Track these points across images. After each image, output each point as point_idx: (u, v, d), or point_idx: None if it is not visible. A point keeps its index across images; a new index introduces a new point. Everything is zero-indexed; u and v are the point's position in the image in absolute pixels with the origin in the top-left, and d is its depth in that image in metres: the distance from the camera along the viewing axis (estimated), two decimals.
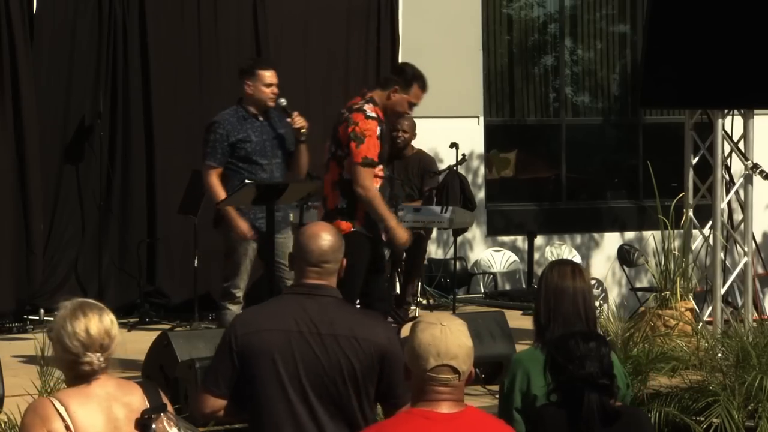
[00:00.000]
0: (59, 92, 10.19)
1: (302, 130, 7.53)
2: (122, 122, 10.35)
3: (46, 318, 9.92)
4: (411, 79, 6.67)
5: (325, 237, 4.35)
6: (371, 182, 6.67)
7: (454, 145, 10.22)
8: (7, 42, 9.80)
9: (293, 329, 4.24)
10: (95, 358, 3.70)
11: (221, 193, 7.47)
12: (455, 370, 3.57)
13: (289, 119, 7.55)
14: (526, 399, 4.48)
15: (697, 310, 8.72)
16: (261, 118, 7.62)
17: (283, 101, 7.60)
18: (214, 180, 7.55)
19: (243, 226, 7.49)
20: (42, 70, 10.08)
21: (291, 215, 8.07)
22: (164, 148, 10.47)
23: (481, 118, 12.42)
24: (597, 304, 10.26)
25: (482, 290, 12.04)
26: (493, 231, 12.49)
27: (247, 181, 8.16)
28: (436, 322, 3.60)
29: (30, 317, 9.83)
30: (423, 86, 6.76)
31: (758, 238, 11.19)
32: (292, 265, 4.40)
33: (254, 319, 4.35)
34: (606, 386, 4.08)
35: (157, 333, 7.34)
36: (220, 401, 4.29)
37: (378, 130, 6.65)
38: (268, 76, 7.58)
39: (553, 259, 12.29)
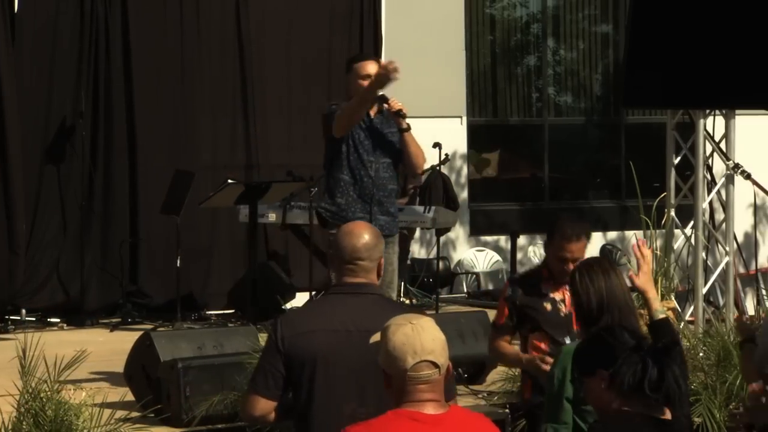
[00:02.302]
0: (41, 92, 10.16)
1: (401, 113, 6.91)
2: (104, 122, 10.33)
3: (27, 318, 9.89)
4: (552, 232, 5.80)
5: (358, 234, 4.31)
6: (492, 344, 5.82)
7: (437, 145, 10.23)
8: None
9: (340, 329, 4.20)
10: None
11: (352, 100, 6.85)
12: (435, 365, 3.56)
13: (386, 105, 6.96)
14: (575, 389, 4.59)
15: (679, 310, 8.73)
16: (370, 115, 7.01)
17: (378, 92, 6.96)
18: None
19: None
20: (23, 69, 10.05)
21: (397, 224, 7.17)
22: (146, 147, 10.45)
23: (464, 118, 12.43)
24: None
25: (465, 290, 12.05)
26: (476, 231, 12.49)
27: (229, 180, 8.16)
28: (405, 322, 3.59)
29: (11, 317, 9.80)
30: (564, 236, 5.67)
31: (740, 238, 11.21)
32: (329, 265, 4.37)
33: (300, 321, 4.30)
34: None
35: (140, 333, 7.32)
36: (272, 403, 4.23)
37: (505, 291, 5.82)
38: (364, 66, 7.02)
39: (536, 259, 12.32)
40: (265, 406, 4.23)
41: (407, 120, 7.02)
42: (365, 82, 6.94)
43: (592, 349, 3.92)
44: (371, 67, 7.01)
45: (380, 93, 6.98)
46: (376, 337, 3.72)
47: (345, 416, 4.12)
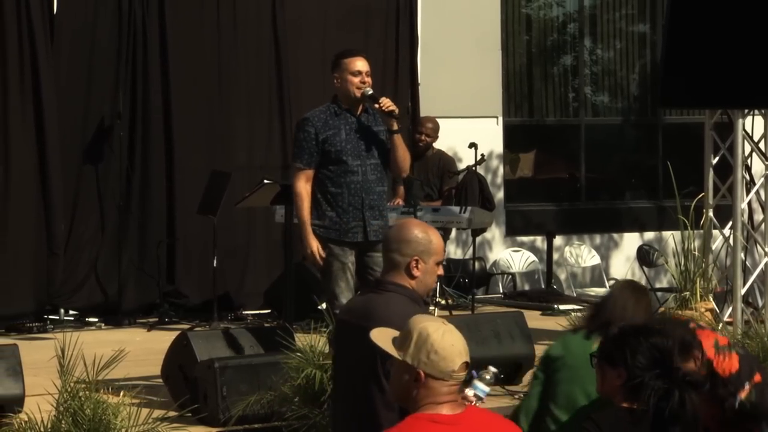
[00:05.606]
0: (79, 93, 10.22)
1: (393, 114, 6.67)
2: (142, 123, 10.38)
3: (66, 318, 9.96)
4: None
5: (396, 225, 4.51)
6: None
7: (473, 145, 10.21)
8: (28, 43, 9.84)
9: (344, 319, 4.44)
10: None
11: (302, 208, 6.68)
12: (468, 365, 3.64)
13: (376, 105, 6.72)
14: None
15: (717, 311, 8.69)
16: (357, 114, 6.79)
17: (369, 90, 6.76)
18: (301, 186, 6.72)
19: (313, 245, 6.69)
20: (62, 70, 10.12)
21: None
22: (183, 148, 10.50)
23: (500, 118, 12.40)
24: None
25: (501, 290, 12.02)
26: (512, 231, 12.47)
27: (265, 180, 8.16)
28: (441, 324, 3.65)
29: (50, 317, 9.87)
30: None
31: None
32: None
33: (343, 307, 4.72)
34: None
35: (177, 333, 7.35)
36: None
37: None
38: (354, 63, 6.78)
39: (572, 259, 12.29)
40: None
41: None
42: (356, 79, 6.75)
43: (622, 343, 3.95)
44: (361, 64, 6.81)
45: (370, 92, 6.78)
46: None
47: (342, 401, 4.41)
